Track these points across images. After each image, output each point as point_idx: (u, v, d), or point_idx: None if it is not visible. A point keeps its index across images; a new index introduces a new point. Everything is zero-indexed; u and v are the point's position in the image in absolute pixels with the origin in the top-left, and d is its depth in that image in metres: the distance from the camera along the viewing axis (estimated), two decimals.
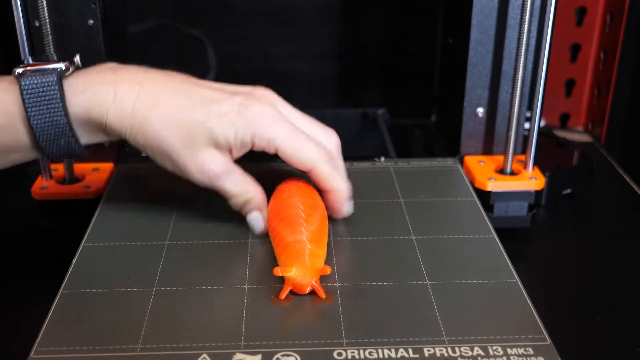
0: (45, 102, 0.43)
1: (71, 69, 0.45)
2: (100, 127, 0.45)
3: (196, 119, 0.45)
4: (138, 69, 0.46)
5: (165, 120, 0.45)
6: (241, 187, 0.48)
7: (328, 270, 0.43)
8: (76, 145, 0.45)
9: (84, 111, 0.45)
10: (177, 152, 0.45)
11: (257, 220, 0.48)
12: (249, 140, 0.46)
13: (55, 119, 0.44)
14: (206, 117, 0.45)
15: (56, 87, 0.44)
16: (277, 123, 0.46)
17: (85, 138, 0.46)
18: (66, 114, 0.44)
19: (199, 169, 0.46)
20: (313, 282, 0.43)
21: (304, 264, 0.43)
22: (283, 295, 0.43)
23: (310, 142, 0.47)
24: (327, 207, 0.50)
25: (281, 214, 0.47)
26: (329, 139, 0.49)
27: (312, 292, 0.43)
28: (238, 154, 0.47)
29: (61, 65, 0.45)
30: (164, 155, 0.46)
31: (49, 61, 0.45)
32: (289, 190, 0.49)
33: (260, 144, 0.46)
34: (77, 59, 0.47)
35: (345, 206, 0.50)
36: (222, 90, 0.47)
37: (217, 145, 0.45)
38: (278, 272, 0.42)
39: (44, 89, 0.43)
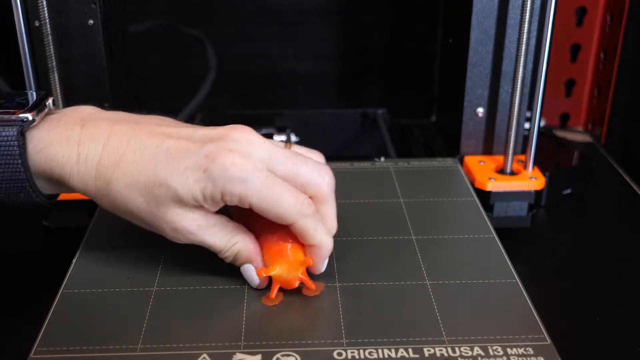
0: (4, 157, 0.41)
1: (37, 120, 0.42)
2: (63, 185, 0.43)
3: (158, 179, 0.41)
4: (107, 122, 0.43)
5: (127, 182, 0.42)
6: (225, 240, 0.43)
7: (310, 261, 0.43)
8: (39, 199, 0.43)
9: (44, 169, 0.42)
10: (145, 213, 0.42)
11: (249, 272, 0.44)
12: (219, 197, 0.41)
13: (14, 174, 0.41)
14: (169, 176, 0.41)
15: (15, 143, 0.41)
16: (248, 176, 0.40)
17: (50, 190, 0.44)
18: (26, 170, 0.42)
19: (171, 229, 0.42)
20: (300, 274, 0.43)
21: (287, 259, 0.43)
22: (273, 294, 0.43)
23: (289, 194, 0.41)
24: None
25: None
26: (320, 180, 0.43)
27: (303, 285, 0.43)
28: (213, 209, 0.42)
29: (27, 116, 0.42)
30: (133, 217, 0.43)
31: (15, 109, 0.42)
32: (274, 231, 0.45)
33: (232, 201, 0.41)
34: (49, 102, 0.45)
35: (324, 264, 0.44)
36: (190, 139, 0.42)
37: (184, 204, 0.41)
38: (262, 273, 0.42)
39: (3, 143, 0.41)
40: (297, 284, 0.43)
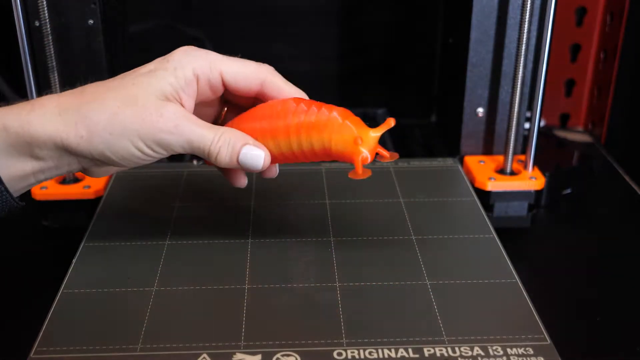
0: None
1: None
2: (23, 143, 0.40)
3: (130, 82, 0.41)
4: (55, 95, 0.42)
5: (99, 98, 0.40)
6: (213, 131, 0.42)
7: (392, 122, 0.42)
8: (2, 189, 0.40)
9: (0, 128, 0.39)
10: (126, 112, 0.40)
11: (250, 153, 0.42)
12: (190, 73, 0.42)
13: None
14: (139, 77, 0.41)
15: None
16: (208, 51, 0.43)
17: (15, 170, 0.41)
18: None
19: (158, 115, 0.40)
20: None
21: (364, 127, 0.42)
22: (360, 169, 0.42)
23: (247, 60, 0.44)
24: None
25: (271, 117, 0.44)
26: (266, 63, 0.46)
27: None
28: (188, 103, 0.42)
29: None
30: (114, 126, 0.40)
31: None
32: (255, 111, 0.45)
33: (205, 73, 0.42)
34: None
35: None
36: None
37: (163, 95, 0.41)
38: (358, 140, 0.41)
39: None
40: (372, 157, 0.42)
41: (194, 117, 0.42)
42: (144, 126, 0.40)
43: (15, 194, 0.42)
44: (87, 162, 0.42)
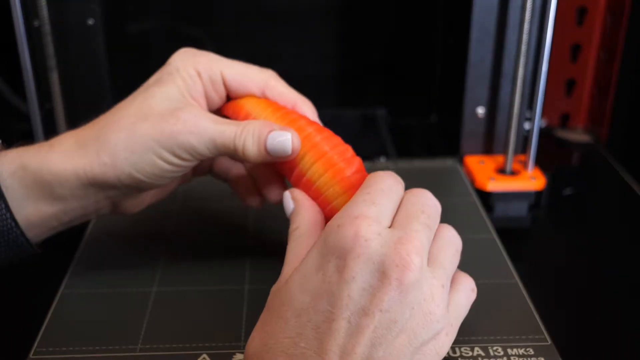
0: None
1: None
2: (43, 183, 0.38)
3: (141, 97, 0.40)
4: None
5: (113, 122, 0.39)
6: (234, 124, 0.40)
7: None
8: (21, 239, 0.39)
9: (16, 167, 0.38)
10: (143, 126, 0.39)
11: (279, 140, 0.40)
12: (193, 72, 0.41)
13: None
14: (147, 89, 0.41)
15: None
16: (208, 53, 0.43)
17: (35, 215, 0.39)
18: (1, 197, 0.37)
19: (175, 119, 0.39)
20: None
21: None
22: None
23: (252, 65, 0.44)
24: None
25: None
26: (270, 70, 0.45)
27: None
28: (201, 98, 0.42)
29: None
30: (136, 147, 0.39)
31: None
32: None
33: (205, 69, 0.41)
34: None
35: (315, 114, 0.45)
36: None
37: (170, 97, 0.40)
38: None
39: None
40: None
41: (213, 115, 0.41)
42: (163, 134, 0.38)
43: (35, 239, 0.40)
44: (116, 193, 0.40)
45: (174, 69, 0.41)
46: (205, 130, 0.39)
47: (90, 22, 0.57)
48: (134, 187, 0.40)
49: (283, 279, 0.36)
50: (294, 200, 0.39)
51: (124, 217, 0.52)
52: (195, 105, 0.41)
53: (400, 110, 0.79)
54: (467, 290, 0.37)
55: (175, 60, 0.42)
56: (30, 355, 0.39)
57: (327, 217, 0.39)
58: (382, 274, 0.32)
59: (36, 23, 0.55)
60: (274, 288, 0.36)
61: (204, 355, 0.39)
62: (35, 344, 0.40)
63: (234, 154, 0.40)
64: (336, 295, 0.32)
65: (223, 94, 0.43)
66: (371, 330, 0.32)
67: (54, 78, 0.55)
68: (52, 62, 0.55)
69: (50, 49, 0.55)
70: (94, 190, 0.39)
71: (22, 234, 0.39)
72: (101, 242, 0.50)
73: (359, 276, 0.32)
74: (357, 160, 0.40)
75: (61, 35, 0.57)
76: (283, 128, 0.40)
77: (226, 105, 0.44)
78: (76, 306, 0.43)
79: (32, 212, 0.39)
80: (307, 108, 0.44)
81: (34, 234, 0.40)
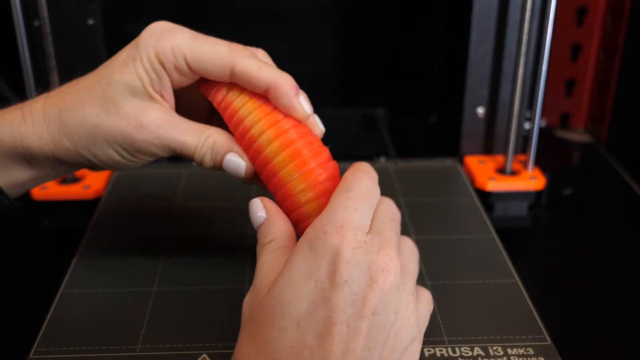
0: None
1: None
2: (18, 155, 0.40)
3: (105, 81, 0.40)
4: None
5: (78, 103, 0.40)
6: (197, 135, 0.40)
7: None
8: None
9: None
10: (105, 123, 0.39)
11: (233, 161, 0.40)
12: (155, 60, 0.39)
13: None
14: (111, 72, 0.40)
15: None
16: (175, 28, 0.40)
17: (5, 180, 0.41)
18: None
19: (137, 127, 0.39)
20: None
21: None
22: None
23: (221, 41, 0.40)
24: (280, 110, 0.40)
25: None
26: (255, 51, 0.43)
27: None
28: (167, 94, 0.41)
29: None
30: (96, 138, 0.39)
31: None
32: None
33: (168, 59, 0.39)
34: None
35: (294, 100, 0.40)
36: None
37: (133, 90, 0.39)
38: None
39: None
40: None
41: (177, 120, 0.40)
42: (126, 138, 0.39)
43: (14, 196, 0.42)
44: (81, 167, 0.42)
45: (139, 55, 0.39)
46: (166, 142, 0.40)
47: (90, 22, 0.57)
48: (96, 169, 0.42)
49: (263, 290, 0.35)
50: (267, 210, 0.39)
51: (124, 216, 0.53)
52: (158, 103, 0.40)
53: (400, 110, 0.79)
54: (427, 301, 0.38)
55: (142, 43, 0.40)
56: (30, 355, 0.39)
57: (294, 221, 0.38)
58: (370, 279, 0.33)
59: (36, 23, 0.55)
60: (255, 299, 0.35)
61: (204, 355, 0.39)
62: (35, 344, 0.40)
63: (188, 157, 0.41)
64: (332, 300, 0.33)
65: (192, 76, 0.41)
66: (366, 334, 0.33)
67: (54, 78, 0.55)
68: (52, 62, 0.55)
69: (50, 49, 0.55)
70: (60, 164, 0.41)
71: (2, 192, 0.41)
72: (101, 242, 0.50)
73: (351, 281, 0.33)
74: (332, 165, 0.39)
75: (61, 35, 0.57)
76: (240, 153, 0.40)
77: (207, 86, 0.42)
78: (76, 306, 0.43)
79: (12, 178, 0.41)
80: (282, 91, 0.39)
81: (12, 194, 0.42)
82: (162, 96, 0.40)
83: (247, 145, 0.40)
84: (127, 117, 0.39)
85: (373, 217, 0.37)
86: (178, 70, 0.40)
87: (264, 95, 0.40)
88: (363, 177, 0.37)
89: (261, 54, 0.43)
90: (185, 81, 0.41)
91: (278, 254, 0.36)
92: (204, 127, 0.41)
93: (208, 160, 0.41)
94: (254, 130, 0.39)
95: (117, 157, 0.40)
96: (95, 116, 0.39)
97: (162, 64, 0.39)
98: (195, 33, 0.41)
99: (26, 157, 0.40)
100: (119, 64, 0.40)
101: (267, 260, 0.36)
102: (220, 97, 0.41)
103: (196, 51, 0.39)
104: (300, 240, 0.35)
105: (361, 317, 0.33)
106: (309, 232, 0.35)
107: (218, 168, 0.41)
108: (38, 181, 0.42)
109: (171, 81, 0.40)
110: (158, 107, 0.40)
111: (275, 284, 0.34)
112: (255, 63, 0.39)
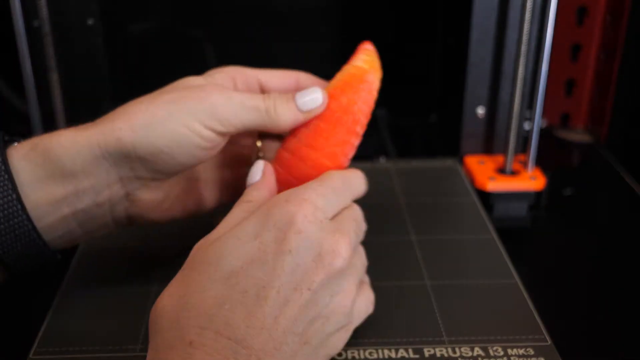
0: None
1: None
2: (53, 161, 0.36)
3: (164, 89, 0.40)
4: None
5: (136, 101, 0.38)
6: (259, 97, 0.40)
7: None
8: (40, 242, 0.37)
9: (28, 149, 0.36)
10: (177, 98, 0.38)
11: (309, 96, 0.40)
12: (229, 78, 0.42)
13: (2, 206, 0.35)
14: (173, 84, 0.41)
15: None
16: (242, 68, 0.44)
17: (33, 197, 0.36)
18: (14, 189, 0.35)
19: (214, 95, 0.39)
20: None
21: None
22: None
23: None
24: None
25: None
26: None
27: None
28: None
29: None
30: (165, 114, 0.37)
31: None
32: None
33: (241, 79, 0.43)
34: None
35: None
36: None
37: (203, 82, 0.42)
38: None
39: None
40: None
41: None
42: (187, 99, 0.37)
43: (48, 236, 0.37)
44: (129, 173, 0.38)
45: (207, 74, 0.42)
46: (234, 94, 0.39)
47: (90, 22, 0.57)
48: (150, 161, 0.38)
49: (212, 238, 0.35)
50: (262, 175, 0.39)
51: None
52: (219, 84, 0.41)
53: (400, 110, 0.79)
54: (368, 299, 0.39)
55: (210, 71, 0.42)
56: (30, 355, 0.39)
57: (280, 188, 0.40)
58: (317, 255, 0.34)
59: (36, 23, 0.55)
60: (199, 244, 0.35)
61: None
62: (35, 344, 0.40)
63: (265, 120, 0.39)
64: (270, 264, 0.33)
65: (257, 91, 0.43)
66: (297, 307, 0.33)
67: (54, 78, 0.55)
68: (52, 62, 0.55)
69: (50, 49, 0.55)
70: (106, 166, 0.37)
71: (29, 218, 0.36)
72: (101, 242, 0.50)
73: (296, 252, 0.33)
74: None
75: (61, 35, 0.57)
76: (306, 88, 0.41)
77: None
78: (76, 306, 0.43)
79: (41, 195, 0.36)
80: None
81: (45, 226, 0.37)
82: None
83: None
84: (187, 87, 0.39)
85: (337, 213, 0.37)
86: (247, 84, 0.43)
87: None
88: (346, 176, 0.39)
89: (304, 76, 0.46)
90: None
91: (246, 214, 0.36)
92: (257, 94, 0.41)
93: (281, 104, 0.39)
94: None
95: (181, 128, 0.37)
96: (152, 97, 0.38)
97: (233, 81, 0.43)
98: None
99: (62, 160, 0.36)
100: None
101: (233, 216, 0.36)
102: None
103: (266, 71, 0.44)
104: (262, 204, 0.36)
105: (295, 290, 0.33)
106: (271, 200, 0.35)
107: (293, 109, 0.40)
108: (75, 203, 0.38)
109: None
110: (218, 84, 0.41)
111: (222, 237, 0.34)
112: (313, 77, 0.45)
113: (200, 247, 0.35)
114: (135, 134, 0.37)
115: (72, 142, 0.37)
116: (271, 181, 0.39)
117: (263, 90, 0.43)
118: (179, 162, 0.38)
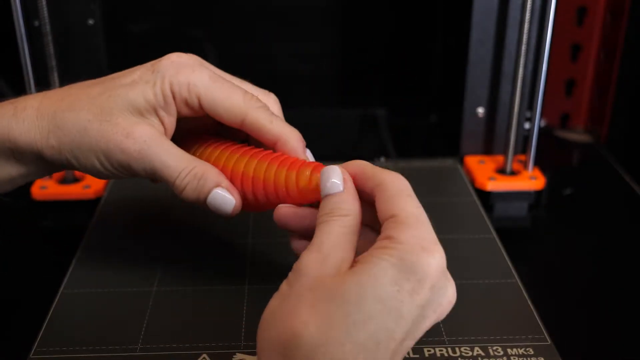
0: None
1: None
2: (5, 149, 0.40)
3: (109, 93, 0.40)
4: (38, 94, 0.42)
5: (75, 108, 0.39)
6: (183, 161, 0.39)
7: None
8: None
9: None
10: (94, 128, 0.39)
11: (220, 195, 0.39)
12: (168, 90, 0.39)
13: None
14: (117, 87, 0.40)
15: None
16: (195, 64, 0.40)
17: None
18: None
19: (124, 134, 0.39)
20: None
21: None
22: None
23: (237, 88, 0.40)
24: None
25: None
26: (267, 97, 0.43)
27: None
28: (167, 120, 0.40)
29: None
30: (82, 142, 0.39)
31: None
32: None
33: (181, 93, 0.39)
34: None
35: (302, 156, 0.40)
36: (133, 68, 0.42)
37: (138, 111, 0.39)
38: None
39: None
40: None
41: (167, 142, 0.40)
42: (109, 145, 0.39)
43: (3, 192, 0.43)
44: (63, 169, 0.42)
45: (153, 80, 0.40)
46: (148, 157, 0.39)
47: (90, 22, 0.57)
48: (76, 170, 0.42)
49: (337, 265, 0.33)
50: (344, 183, 0.37)
51: (124, 217, 0.53)
52: (152, 127, 0.40)
53: (400, 110, 0.79)
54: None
55: (160, 69, 0.40)
56: (30, 355, 0.39)
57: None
58: (438, 305, 0.33)
59: (36, 23, 0.55)
60: (325, 271, 0.33)
61: (204, 355, 0.39)
62: (35, 344, 0.40)
63: (172, 190, 0.40)
64: (404, 316, 0.32)
65: (202, 113, 0.41)
66: (405, 349, 0.33)
67: (54, 78, 0.55)
68: (52, 62, 0.55)
69: (50, 49, 0.55)
70: (44, 162, 0.41)
71: None
72: (101, 242, 0.50)
73: (426, 307, 0.33)
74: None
75: (61, 35, 0.57)
76: (230, 188, 0.39)
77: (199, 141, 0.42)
78: (76, 306, 0.43)
79: (1, 173, 0.41)
80: (291, 145, 0.40)
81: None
82: (162, 122, 0.40)
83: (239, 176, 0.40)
84: (116, 126, 0.39)
85: None
86: (188, 106, 0.40)
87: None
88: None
89: (272, 99, 0.44)
90: (190, 114, 0.41)
91: (348, 232, 0.35)
92: (193, 158, 0.40)
93: (191, 191, 0.39)
94: (247, 168, 0.39)
95: (98, 166, 0.40)
96: (87, 121, 0.39)
97: (173, 95, 0.39)
98: (215, 74, 0.40)
99: (14, 152, 0.40)
100: (129, 83, 0.40)
101: (337, 233, 0.35)
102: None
103: (212, 94, 0.39)
104: (392, 238, 0.34)
105: (413, 340, 0.33)
106: (406, 242, 0.33)
107: (201, 201, 0.40)
108: (26, 178, 0.42)
109: (178, 112, 0.40)
110: (151, 126, 0.40)
111: (358, 271, 0.32)
112: (267, 116, 0.40)
113: (325, 273, 0.33)
114: (61, 156, 0.40)
115: (20, 140, 0.40)
116: (353, 187, 0.38)
117: (203, 109, 0.40)
118: (96, 177, 0.42)
